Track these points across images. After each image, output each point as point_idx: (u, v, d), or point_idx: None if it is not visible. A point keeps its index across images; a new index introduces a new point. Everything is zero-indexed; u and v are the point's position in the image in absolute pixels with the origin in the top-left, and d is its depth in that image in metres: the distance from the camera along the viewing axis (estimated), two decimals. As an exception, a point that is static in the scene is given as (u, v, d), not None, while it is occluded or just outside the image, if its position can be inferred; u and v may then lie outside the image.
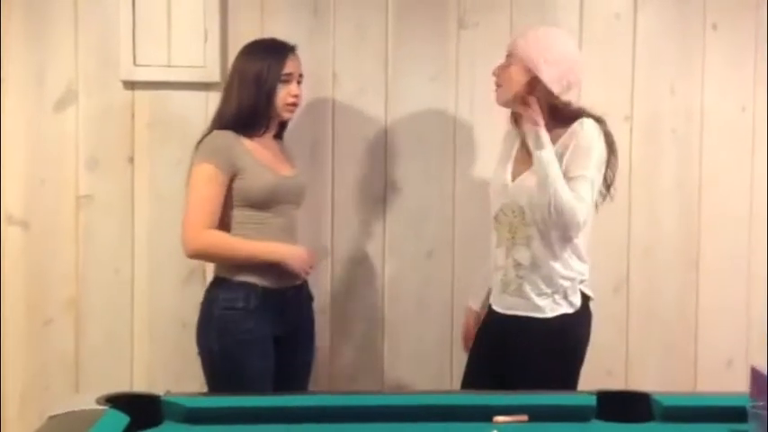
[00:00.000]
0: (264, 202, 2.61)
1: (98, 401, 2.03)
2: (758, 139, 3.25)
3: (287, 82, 2.64)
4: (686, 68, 3.22)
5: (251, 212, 2.62)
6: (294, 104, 2.69)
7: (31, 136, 3.06)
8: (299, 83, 2.69)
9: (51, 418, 1.96)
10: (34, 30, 3.03)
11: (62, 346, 3.08)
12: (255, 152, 2.63)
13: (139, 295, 3.10)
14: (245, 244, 2.61)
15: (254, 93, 2.61)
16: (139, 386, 2.98)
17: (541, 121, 2.52)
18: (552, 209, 2.47)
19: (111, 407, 2.01)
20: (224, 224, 2.61)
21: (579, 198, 2.49)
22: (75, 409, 2.00)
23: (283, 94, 2.64)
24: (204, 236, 2.57)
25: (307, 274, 2.69)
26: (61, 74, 3.05)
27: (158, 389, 2.18)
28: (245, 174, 2.59)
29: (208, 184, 2.57)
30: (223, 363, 2.57)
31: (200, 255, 2.66)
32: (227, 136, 2.61)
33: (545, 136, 2.51)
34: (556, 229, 2.52)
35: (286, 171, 2.69)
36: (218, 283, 2.65)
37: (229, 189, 2.60)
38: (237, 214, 2.62)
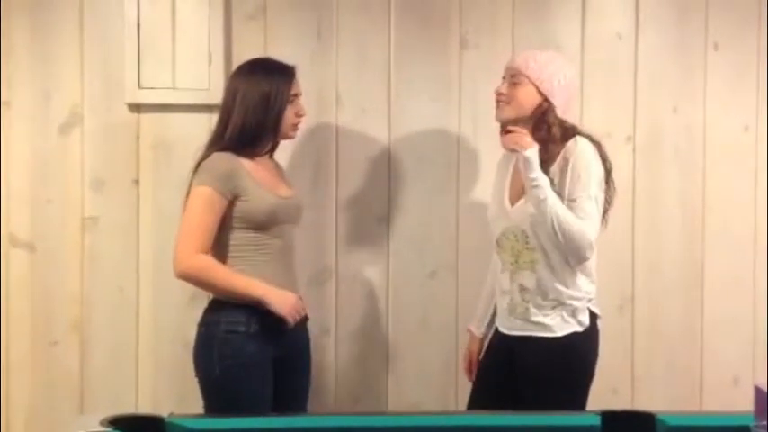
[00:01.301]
0: (264, 224, 2.58)
1: (102, 423, 2.03)
2: (761, 158, 3.24)
3: (293, 103, 2.65)
4: (688, 88, 3.22)
5: (251, 234, 2.58)
6: (299, 124, 2.70)
7: (37, 158, 3.08)
8: None
9: (55, 439, 1.97)
10: (40, 52, 3.06)
11: (67, 367, 3.09)
12: (255, 173, 2.60)
13: (144, 316, 3.11)
14: (234, 278, 2.56)
15: (261, 113, 2.59)
16: (144, 406, 2.99)
17: (531, 144, 2.50)
18: (561, 237, 2.47)
19: (114, 429, 2.01)
20: (220, 246, 2.58)
21: (586, 216, 2.50)
22: (80, 432, 2.01)
23: (291, 115, 2.64)
24: (195, 259, 2.53)
25: (294, 320, 2.59)
26: (66, 96, 3.07)
27: (163, 409, 2.19)
28: (247, 196, 2.56)
29: (205, 208, 2.54)
30: (224, 387, 2.53)
31: (189, 277, 2.58)
32: (229, 159, 2.58)
33: (535, 161, 2.49)
34: (571, 255, 2.52)
35: (284, 191, 2.68)
36: (218, 305, 2.61)
37: (228, 211, 2.56)
38: (237, 236, 2.58)
